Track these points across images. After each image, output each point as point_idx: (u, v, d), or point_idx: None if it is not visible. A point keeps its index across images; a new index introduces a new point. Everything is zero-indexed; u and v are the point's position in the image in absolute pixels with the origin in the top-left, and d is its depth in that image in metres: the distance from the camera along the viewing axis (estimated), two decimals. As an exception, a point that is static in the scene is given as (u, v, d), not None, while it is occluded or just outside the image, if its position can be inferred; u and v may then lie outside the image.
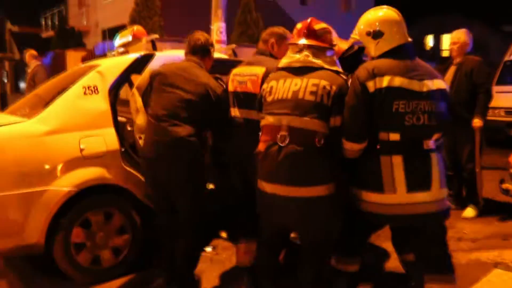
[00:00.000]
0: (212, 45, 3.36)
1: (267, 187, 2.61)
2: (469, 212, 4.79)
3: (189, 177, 3.02)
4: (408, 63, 2.53)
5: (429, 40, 30.23)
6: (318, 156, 2.51)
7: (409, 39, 2.62)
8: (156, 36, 4.18)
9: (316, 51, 2.65)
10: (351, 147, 2.55)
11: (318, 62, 2.62)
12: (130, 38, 4.31)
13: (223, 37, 7.56)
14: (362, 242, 2.88)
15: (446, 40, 27.92)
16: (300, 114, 2.51)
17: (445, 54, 27.09)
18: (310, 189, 2.50)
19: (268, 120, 2.65)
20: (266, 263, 2.89)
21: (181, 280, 3.13)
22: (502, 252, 3.86)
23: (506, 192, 4.79)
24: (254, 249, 3.05)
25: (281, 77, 2.67)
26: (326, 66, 2.61)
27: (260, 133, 2.72)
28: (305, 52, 2.65)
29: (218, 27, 7.49)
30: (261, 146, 2.66)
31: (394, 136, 2.46)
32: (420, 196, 2.46)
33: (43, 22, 28.36)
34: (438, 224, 2.62)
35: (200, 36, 3.29)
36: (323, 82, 2.53)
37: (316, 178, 2.51)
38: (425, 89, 2.49)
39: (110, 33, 19.25)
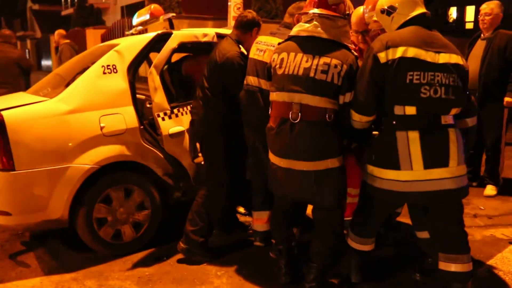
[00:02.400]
0: (257, 24, 3.42)
1: (281, 162, 2.69)
2: (490, 190, 4.75)
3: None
4: (424, 34, 2.50)
5: (453, 12, 29.39)
6: (330, 131, 2.60)
7: (425, 10, 2.59)
8: (173, 14, 4.23)
9: (327, 20, 2.65)
10: (360, 119, 2.59)
11: (326, 34, 2.62)
12: (147, 17, 4.34)
13: (241, 13, 7.51)
14: (377, 224, 2.91)
15: (471, 12, 27.11)
16: (311, 92, 2.57)
17: (468, 26, 26.37)
18: (323, 162, 2.60)
19: (279, 96, 2.69)
20: (282, 233, 3.04)
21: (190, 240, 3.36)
22: (518, 229, 3.87)
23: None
24: (265, 216, 3.25)
25: (292, 49, 2.69)
26: (335, 39, 2.62)
27: (270, 109, 2.78)
28: (315, 22, 2.65)
29: (235, 3, 7.45)
30: (273, 122, 2.72)
31: (410, 110, 2.42)
32: (438, 173, 2.42)
33: (63, 0, 28.47)
34: (456, 202, 2.60)
35: (247, 13, 3.45)
36: (334, 61, 2.56)
37: (329, 152, 2.62)
38: (441, 61, 2.44)
39: (129, 10, 19.25)
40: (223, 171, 3.32)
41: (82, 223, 3.33)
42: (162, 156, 3.56)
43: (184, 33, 3.82)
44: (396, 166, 2.46)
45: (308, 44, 2.65)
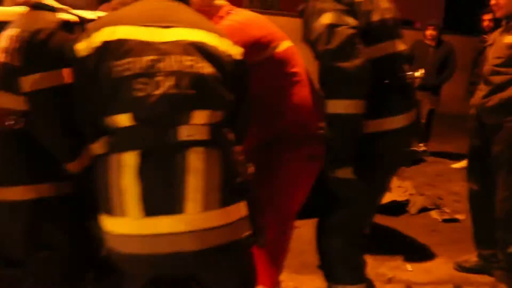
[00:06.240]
0: None
1: None
2: None
3: None
4: (157, 7, 1.56)
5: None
6: (8, 144, 1.63)
7: None
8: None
9: None
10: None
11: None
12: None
13: None
14: None
15: None
16: None
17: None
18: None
19: None
20: None
21: None
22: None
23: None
24: None
25: None
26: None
27: None
28: None
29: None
30: None
31: (124, 120, 1.41)
32: (167, 223, 1.39)
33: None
34: (210, 274, 1.53)
35: None
36: (14, 31, 1.55)
37: (7, 175, 1.64)
38: (170, 38, 1.45)
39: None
40: None
41: None
42: None
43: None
44: (109, 209, 1.45)
45: None
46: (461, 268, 3.03)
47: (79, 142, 1.58)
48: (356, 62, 1.79)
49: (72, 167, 1.62)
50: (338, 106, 1.85)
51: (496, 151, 2.70)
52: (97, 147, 1.48)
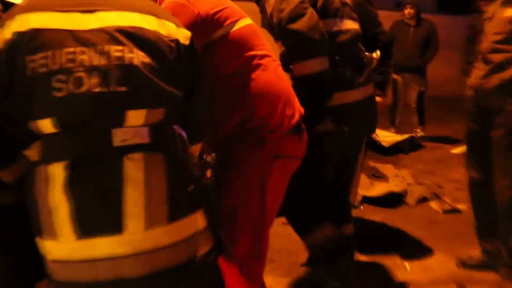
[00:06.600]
0: None
1: None
2: None
3: None
4: None
5: None
6: None
7: None
8: None
9: None
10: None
11: None
12: None
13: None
14: None
15: None
16: None
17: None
18: None
19: None
20: None
21: None
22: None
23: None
24: None
25: None
26: None
27: None
28: None
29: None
30: None
31: (46, 126, 1.14)
32: (103, 245, 1.14)
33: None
34: None
35: None
36: None
37: None
38: (95, 25, 1.17)
39: None
40: None
41: None
42: None
43: None
44: (39, 231, 1.19)
45: None
46: (464, 265, 2.80)
47: (13, 148, 1.31)
48: (305, 21, 1.88)
49: (5, 176, 1.39)
50: (304, 68, 1.94)
51: (496, 137, 2.46)
52: (31, 154, 1.22)
